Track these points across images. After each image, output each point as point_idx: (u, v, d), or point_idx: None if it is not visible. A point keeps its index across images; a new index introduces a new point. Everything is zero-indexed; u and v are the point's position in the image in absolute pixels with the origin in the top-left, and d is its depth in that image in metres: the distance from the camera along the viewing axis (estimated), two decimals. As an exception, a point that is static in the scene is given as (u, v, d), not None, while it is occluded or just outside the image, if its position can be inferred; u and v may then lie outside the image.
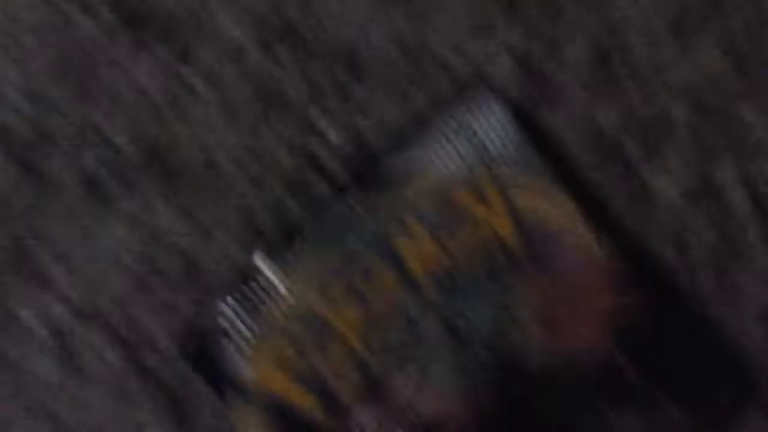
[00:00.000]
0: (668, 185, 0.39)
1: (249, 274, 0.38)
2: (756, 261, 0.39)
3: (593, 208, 0.39)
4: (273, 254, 0.38)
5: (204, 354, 0.37)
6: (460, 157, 0.39)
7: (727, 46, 0.39)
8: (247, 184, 0.39)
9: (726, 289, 0.39)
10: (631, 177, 0.39)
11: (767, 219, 0.39)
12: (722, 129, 0.38)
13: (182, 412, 0.38)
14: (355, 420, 0.37)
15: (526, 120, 0.39)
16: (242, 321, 0.37)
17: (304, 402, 0.37)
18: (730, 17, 0.38)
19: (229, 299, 0.37)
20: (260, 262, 0.38)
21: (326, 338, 0.37)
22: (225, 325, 0.37)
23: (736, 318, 0.38)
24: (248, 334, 0.37)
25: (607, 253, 0.38)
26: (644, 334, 0.38)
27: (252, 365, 0.37)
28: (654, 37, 0.39)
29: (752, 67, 0.39)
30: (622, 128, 0.39)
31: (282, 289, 0.38)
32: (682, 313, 0.39)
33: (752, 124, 0.38)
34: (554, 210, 0.38)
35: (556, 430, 0.37)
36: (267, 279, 0.38)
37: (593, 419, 0.37)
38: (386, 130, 0.40)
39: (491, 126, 0.39)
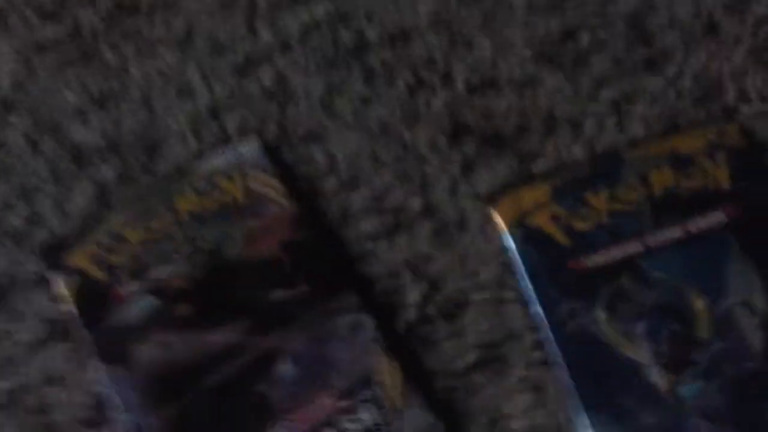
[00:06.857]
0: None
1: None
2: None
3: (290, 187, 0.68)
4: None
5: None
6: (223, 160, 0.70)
7: None
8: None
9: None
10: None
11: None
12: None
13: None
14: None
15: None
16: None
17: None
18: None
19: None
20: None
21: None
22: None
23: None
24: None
25: (290, 208, 0.67)
26: (300, 249, 0.65)
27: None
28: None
29: None
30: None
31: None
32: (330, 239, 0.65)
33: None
34: (267, 186, 0.68)
35: (240, 299, 0.63)
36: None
37: (262, 293, 0.64)
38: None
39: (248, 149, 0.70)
